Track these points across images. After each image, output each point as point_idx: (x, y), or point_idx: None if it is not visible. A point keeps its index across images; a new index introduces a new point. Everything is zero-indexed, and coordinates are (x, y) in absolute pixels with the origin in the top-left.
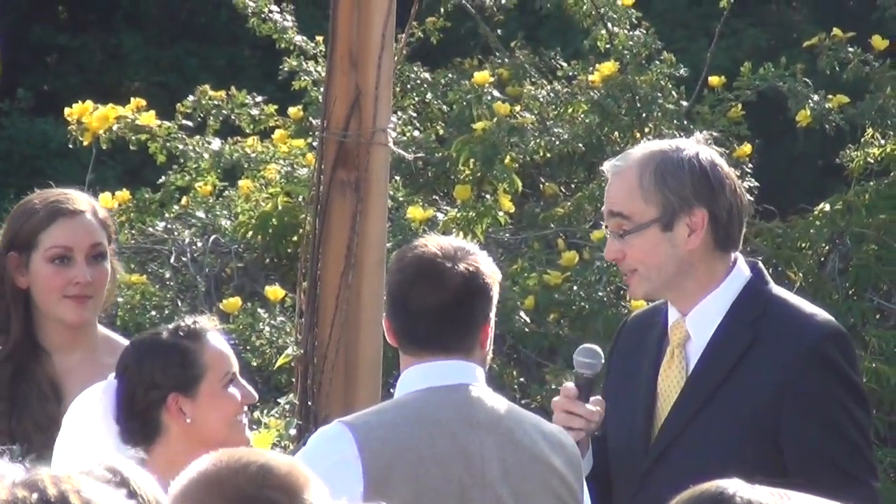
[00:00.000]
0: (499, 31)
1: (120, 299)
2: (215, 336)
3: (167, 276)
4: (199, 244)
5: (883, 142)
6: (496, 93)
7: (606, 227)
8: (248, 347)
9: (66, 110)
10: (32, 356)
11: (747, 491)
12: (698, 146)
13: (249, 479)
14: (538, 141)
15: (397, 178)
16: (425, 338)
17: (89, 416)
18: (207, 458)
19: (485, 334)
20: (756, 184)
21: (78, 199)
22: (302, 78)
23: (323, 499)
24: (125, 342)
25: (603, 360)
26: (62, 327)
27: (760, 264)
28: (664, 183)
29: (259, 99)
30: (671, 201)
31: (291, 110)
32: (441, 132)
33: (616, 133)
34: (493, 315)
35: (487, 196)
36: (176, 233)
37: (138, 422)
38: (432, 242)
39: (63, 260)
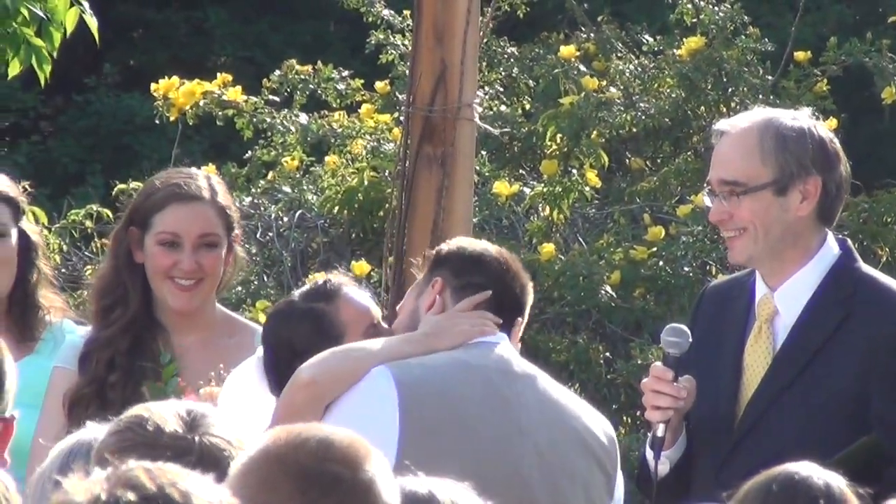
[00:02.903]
0: (585, 5)
1: None
2: (350, 291)
3: (253, 251)
4: (286, 219)
5: None
6: (582, 67)
7: (712, 190)
8: None
9: (153, 86)
10: (150, 331)
11: (821, 473)
12: (811, 119)
13: (310, 454)
14: (624, 116)
15: (483, 152)
16: (500, 311)
17: (247, 389)
18: (267, 436)
19: None
20: None
21: (200, 184)
22: (389, 52)
23: (384, 470)
24: (247, 323)
25: (690, 339)
26: (171, 310)
27: (849, 242)
28: (785, 147)
29: (345, 73)
30: (790, 165)
31: (378, 85)
32: (527, 107)
33: (702, 108)
34: None
35: (574, 171)
36: (262, 208)
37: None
38: None
39: (171, 244)
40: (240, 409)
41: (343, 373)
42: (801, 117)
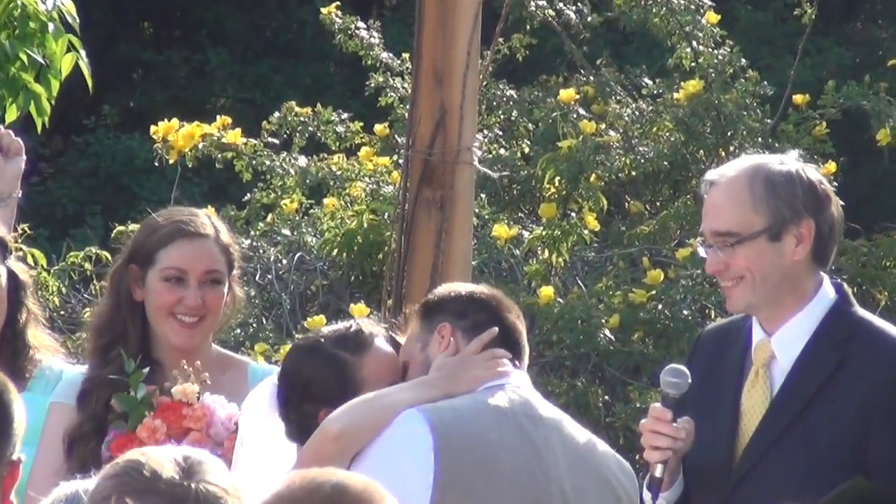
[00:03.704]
0: (584, 49)
1: None
2: (380, 346)
3: (252, 293)
4: (285, 262)
5: None
6: (582, 111)
7: (706, 241)
8: None
9: (152, 128)
10: (149, 370)
11: None
12: (799, 162)
13: (325, 500)
14: (623, 159)
15: (483, 195)
16: (507, 343)
17: (260, 412)
18: (280, 481)
19: None
20: (841, 202)
21: (203, 221)
22: (388, 95)
23: None
24: (240, 358)
25: (689, 380)
26: (171, 347)
27: (845, 286)
28: (775, 192)
29: (345, 116)
30: (782, 211)
31: (377, 127)
32: (527, 150)
33: (701, 151)
34: None
35: (573, 214)
36: (261, 250)
37: (298, 427)
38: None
39: (176, 281)
40: (259, 436)
41: (370, 423)
42: (788, 161)
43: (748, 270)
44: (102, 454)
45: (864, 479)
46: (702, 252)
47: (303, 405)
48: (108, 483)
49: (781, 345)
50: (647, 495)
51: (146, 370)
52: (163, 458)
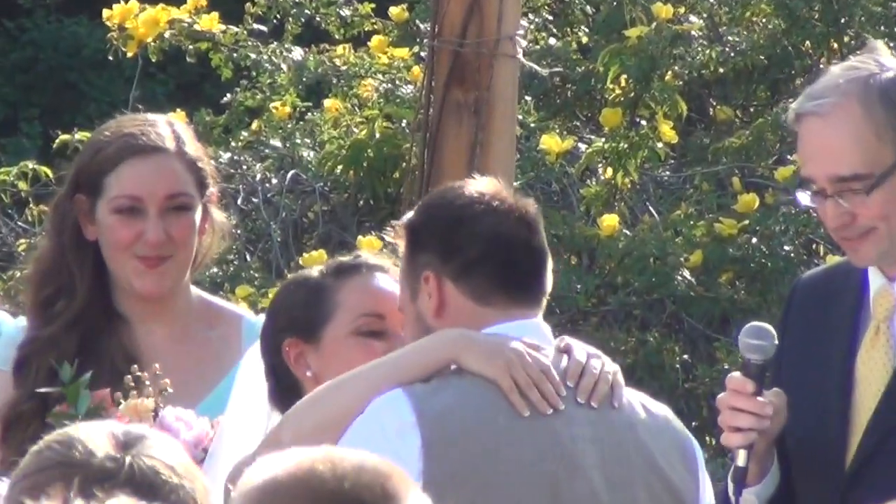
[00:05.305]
0: None
1: None
2: (373, 275)
3: (233, 221)
4: (275, 181)
5: None
6: None
7: (817, 190)
8: None
9: (105, 12)
10: (105, 325)
11: None
12: None
13: (331, 495)
14: (708, 52)
15: (528, 98)
16: (519, 284)
17: (252, 373)
18: (262, 467)
19: None
20: None
21: (161, 131)
22: None
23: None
24: (231, 309)
25: (776, 341)
26: (137, 296)
27: None
28: None
29: None
30: None
31: (393, 11)
32: (585, 40)
33: (807, 43)
34: None
35: (643, 122)
36: (245, 166)
37: (274, 379)
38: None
39: (132, 211)
40: (244, 400)
41: (335, 417)
42: (892, 62)
43: (882, 220)
44: None
45: None
46: (806, 200)
47: (274, 339)
48: (33, 459)
49: None
50: (732, 490)
51: (87, 376)
52: (98, 434)
